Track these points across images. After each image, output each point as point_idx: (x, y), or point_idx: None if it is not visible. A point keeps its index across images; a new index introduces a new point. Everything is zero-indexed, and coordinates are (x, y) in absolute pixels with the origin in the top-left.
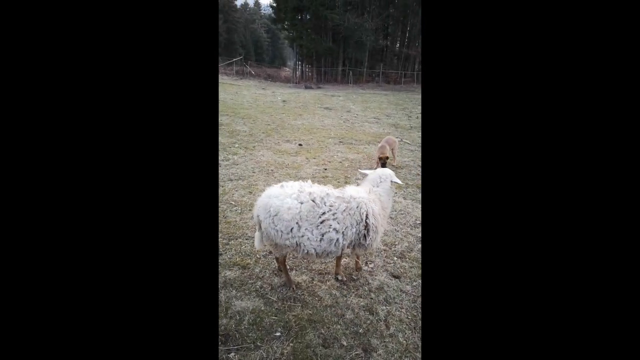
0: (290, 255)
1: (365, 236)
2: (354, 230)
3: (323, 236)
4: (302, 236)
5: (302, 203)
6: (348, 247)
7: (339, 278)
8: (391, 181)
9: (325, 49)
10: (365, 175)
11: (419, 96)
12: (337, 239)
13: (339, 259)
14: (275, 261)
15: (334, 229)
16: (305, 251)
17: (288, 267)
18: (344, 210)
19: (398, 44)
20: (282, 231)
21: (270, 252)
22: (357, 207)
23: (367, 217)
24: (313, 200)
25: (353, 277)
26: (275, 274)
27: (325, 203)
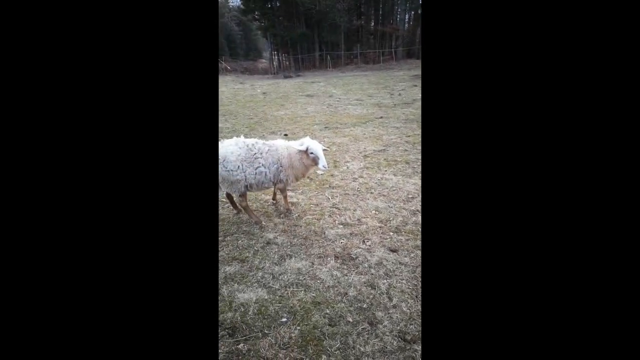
0: (282, 245)
1: (281, 173)
2: (275, 167)
3: (256, 170)
4: (244, 171)
5: (240, 149)
6: (274, 181)
7: (283, 207)
8: (307, 149)
9: (300, 35)
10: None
11: (399, 73)
12: (265, 172)
13: (282, 192)
14: (240, 210)
15: (262, 164)
16: (247, 184)
17: (285, 257)
18: (267, 152)
19: (373, 23)
20: (231, 170)
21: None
22: (275, 150)
23: (280, 159)
24: (247, 146)
25: (352, 256)
26: (275, 263)
27: (255, 148)
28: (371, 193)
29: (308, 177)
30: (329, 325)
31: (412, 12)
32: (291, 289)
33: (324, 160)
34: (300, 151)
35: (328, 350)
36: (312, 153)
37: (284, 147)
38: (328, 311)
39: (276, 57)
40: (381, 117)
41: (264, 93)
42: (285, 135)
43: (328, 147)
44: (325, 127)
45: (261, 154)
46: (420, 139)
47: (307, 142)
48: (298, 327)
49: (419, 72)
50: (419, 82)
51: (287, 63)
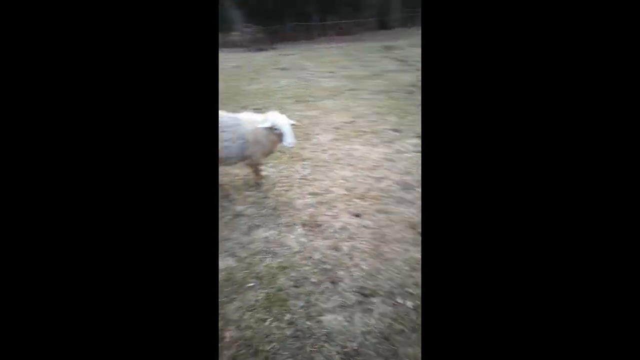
0: (251, 216)
1: (247, 149)
2: (240, 142)
3: (221, 145)
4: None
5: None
6: (239, 156)
7: (257, 182)
8: (272, 126)
9: (273, 5)
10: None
11: (371, 44)
12: (230, 148)
13: (251, 167)
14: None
15: (227, 139)
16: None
17: (254, 227)
18: (231, 126)
19: None
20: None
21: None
22: (240, 125)
23: (246, 134)
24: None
25: (318, 223)
26: (244, 233)
27: (220, 122)
28: (339, 164)
29: (278, 151)
30: (294, 286)
31: None
32: (259, 256)
33: (290, 137)
34: (265, 128)
35: (292, 310)
36: (276, 129)
37: (250, 121)
38: (294, 274)
39: (248, 29)
40: (352, 89)
41: (236, 66)
42: (258, 109)
43: (298, 121)
44: (297, 101)
45: (226, 128)
46: (388, 110)
47: (272, 118)
48: (264, 291)
49: (389, 42)
50: (389, 54)
51: (260, 35)
